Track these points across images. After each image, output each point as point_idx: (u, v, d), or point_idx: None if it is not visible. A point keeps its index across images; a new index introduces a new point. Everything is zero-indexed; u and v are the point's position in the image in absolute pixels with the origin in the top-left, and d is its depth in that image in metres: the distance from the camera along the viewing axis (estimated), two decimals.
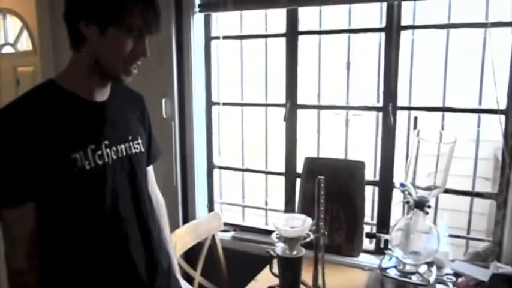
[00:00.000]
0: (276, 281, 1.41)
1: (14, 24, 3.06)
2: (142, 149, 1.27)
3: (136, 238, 1.21)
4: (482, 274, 1.64)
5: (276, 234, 1.38)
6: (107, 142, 1.14)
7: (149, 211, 1.27)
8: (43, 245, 1.10)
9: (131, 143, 1.22)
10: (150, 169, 1.39)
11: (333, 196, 1.95)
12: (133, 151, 1.22)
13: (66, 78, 1.12)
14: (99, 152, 1.12)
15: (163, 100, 2.30)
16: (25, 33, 2.92)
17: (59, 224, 1.10)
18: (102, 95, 1.16)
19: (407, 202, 1.55)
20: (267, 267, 1.44)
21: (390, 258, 1.59)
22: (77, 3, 1.07)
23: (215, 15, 2.33)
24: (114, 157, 1.16)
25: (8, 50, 3.10)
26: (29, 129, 1.02)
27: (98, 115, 1.15)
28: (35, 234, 1.08)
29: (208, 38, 2.35)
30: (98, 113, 1.15)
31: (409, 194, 1.53)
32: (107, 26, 1.04)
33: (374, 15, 1.98)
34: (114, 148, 1.16)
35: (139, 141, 1.26)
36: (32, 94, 1.08)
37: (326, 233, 1.48)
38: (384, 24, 1.93)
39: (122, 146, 1.19)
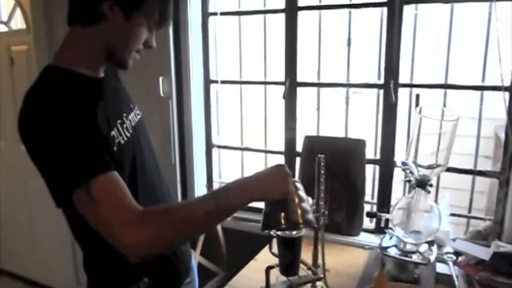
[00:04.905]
0: (275, 260, 1.40)
1: (7, 2, 3.00)
2: (140, 113, 1.27)
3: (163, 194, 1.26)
4: (483, 253, 1.63)
5: None
6: (125, 114, 1.15)
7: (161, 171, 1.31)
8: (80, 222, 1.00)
9: (134, 111, 1.23)
10: None
11: (333, 175, 1.93)
12: (137, 118, 1.23)
13: (69, 60, 1.04)
14: (125, 125, 1.13)
15: (161, 78, 2.27)
16: (18, 11, 2.86)
17: None
18: (102, 71, 1.13)
19: (409, 181, 1.53)
20: (267, 246, 1.42)
21: (391, 237, 1.58)
22: None
23: None
24: (130, 128, 1.16)
25: (1, 28, 3.04)
26: (77, 112, 0.95)
27: (108, 90, 1.12)
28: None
29: (206, 14, 2.30)
30: (108, 88, 1.12)
31: (411, 172, 1.51)
32: (132, 11, 1.01)
33: None
34: (129, 118, 1.17)
35: (136, 105, 1.26)
36: (52, 84, 1.00)
37: (326, 212, 1.46)
38: None
39: (132, 114, 1.20)
